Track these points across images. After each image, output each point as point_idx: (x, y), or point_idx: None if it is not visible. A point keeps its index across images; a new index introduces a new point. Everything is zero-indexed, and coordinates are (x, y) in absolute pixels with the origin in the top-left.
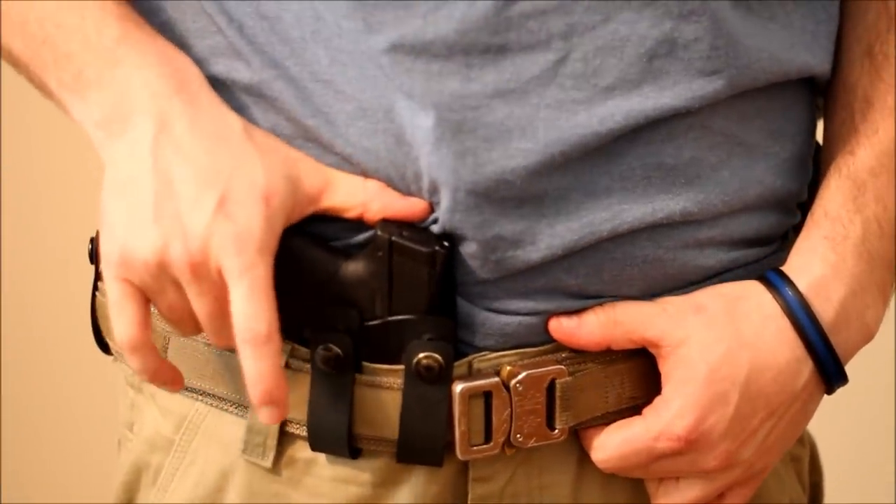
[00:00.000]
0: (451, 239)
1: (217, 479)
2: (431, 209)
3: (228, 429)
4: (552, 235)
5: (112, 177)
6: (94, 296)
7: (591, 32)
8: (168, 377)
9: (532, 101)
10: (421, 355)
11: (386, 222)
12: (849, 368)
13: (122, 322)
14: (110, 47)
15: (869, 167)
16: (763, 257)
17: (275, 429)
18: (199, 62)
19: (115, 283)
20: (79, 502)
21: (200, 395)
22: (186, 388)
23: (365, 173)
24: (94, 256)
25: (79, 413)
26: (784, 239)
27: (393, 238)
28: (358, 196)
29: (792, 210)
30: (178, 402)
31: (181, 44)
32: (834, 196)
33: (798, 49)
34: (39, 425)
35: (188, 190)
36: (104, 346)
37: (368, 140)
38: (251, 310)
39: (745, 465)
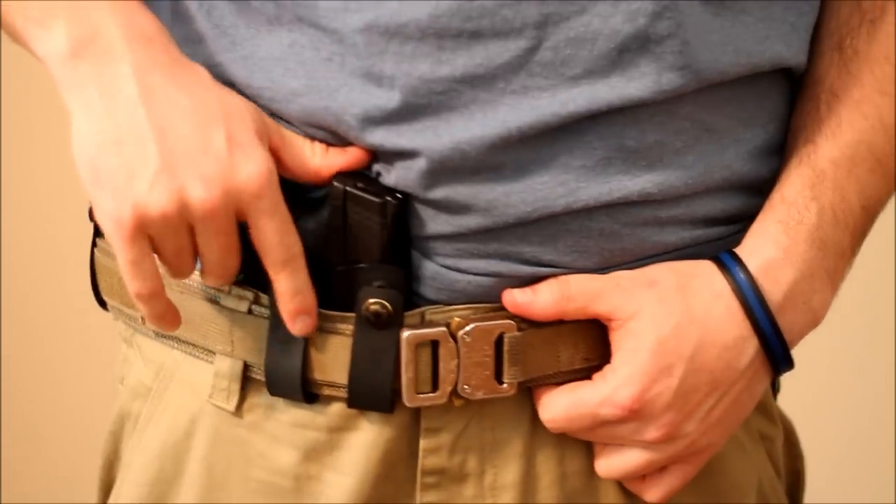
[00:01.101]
0: (404, 193)
1: (187, 423)
2: (374, 156)
3: (199, 375)
4: (506, 205)
5: (96, 131)
6: (92, 253)
7: (566, 23)
8: (172, 319)
9: (498, 85)
10: (370, 301)
11: (342, 174)
12: (848, 367)
13: (141, 279)
14: None
15: (830, 157)
16: (728, 235)
17: (238, 373)
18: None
19: (131, 244)
20: (79, 502)
21: (176, 342)
22: (164, 336)
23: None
24: (92, 214)
25: (79, 413)
26: (753, 220)
27: (347, 188)
28: (304, 159)
29: (762, 193)
30: (158, 351)
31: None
32: (793, 182)
33: (773, 41)
34: (39, 424)
35: (192, 133)
36: (103, 303)
37: (309, 116)
38: (288, 238)
39: (687, 439)
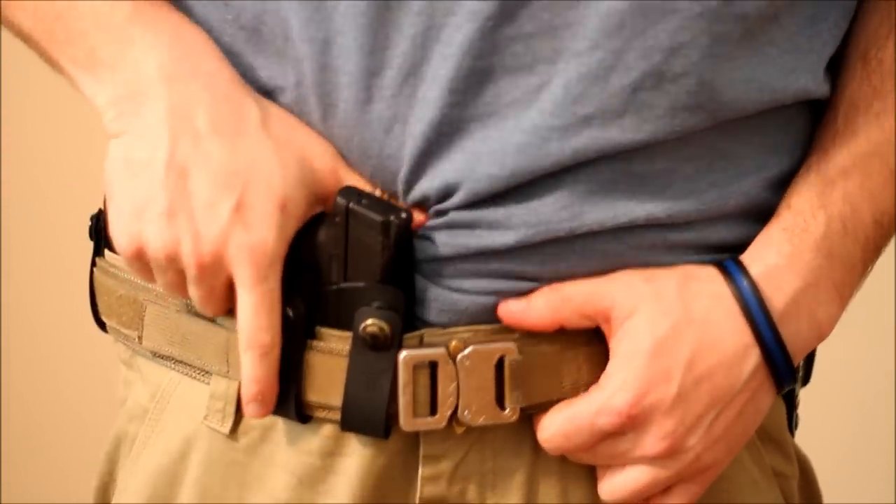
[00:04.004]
0: (409, 212)
1: (181, 445)
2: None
3: (195, 396)
4: (508, 227)
5: (123, 154)
6: (92, 273)
7: (577, 59)
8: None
9: (508, 125)
10: (367, 322)
11: (347, 189)
12: (848, 368)
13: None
14: (122, 25)
15: (841, 167)
16: None
17: (233, 395)
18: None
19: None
20: (79, 502)
21: (172, 362)
22: (160, 356)
23: None
24: (93, 233)
25: (79, 413)
26: None
27: (350, 205)
28: None
29: None
30: (155, 372)
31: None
32: (800, 190)
33: (798, 73)
34: (39, 424)
35: (204, 190)
36: (102, 324)
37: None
38: (259, 322)
39: (691, 453)
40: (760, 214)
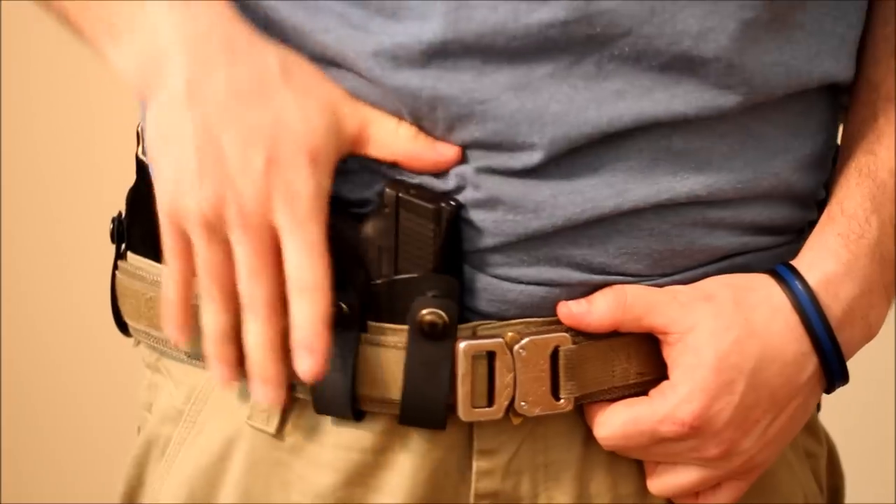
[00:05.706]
0: (458, 200)
1: (222, 446)
2: (463, 156)
3: (237, 397)
4: (554, 206)
5: (155, 131)
6: (114, 276)
7: (611, 42)
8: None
9: (543, 95)
10: (424, 311)
11: (395, 180)
12: (849, 367)
13: (168, 276)
14: None
15: (889, 168)
16: (775, 246)
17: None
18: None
19: (168, 233)
20: (79, 502)
21: None
22: (198, 357)
23: None
24: (114, 236)
25: (80, 413)
26: (800, 233)
27: (399, 194)
28: (390, 146)
29: (809, 206)
30: (190, 374)
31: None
32: (852, 194)
33: (823, 57)
34: (40, 424)
35: (234, 150)
36: (123, 327)
37: None
38: (305, 261)
39: (745, 456)
40: (788, 196)
